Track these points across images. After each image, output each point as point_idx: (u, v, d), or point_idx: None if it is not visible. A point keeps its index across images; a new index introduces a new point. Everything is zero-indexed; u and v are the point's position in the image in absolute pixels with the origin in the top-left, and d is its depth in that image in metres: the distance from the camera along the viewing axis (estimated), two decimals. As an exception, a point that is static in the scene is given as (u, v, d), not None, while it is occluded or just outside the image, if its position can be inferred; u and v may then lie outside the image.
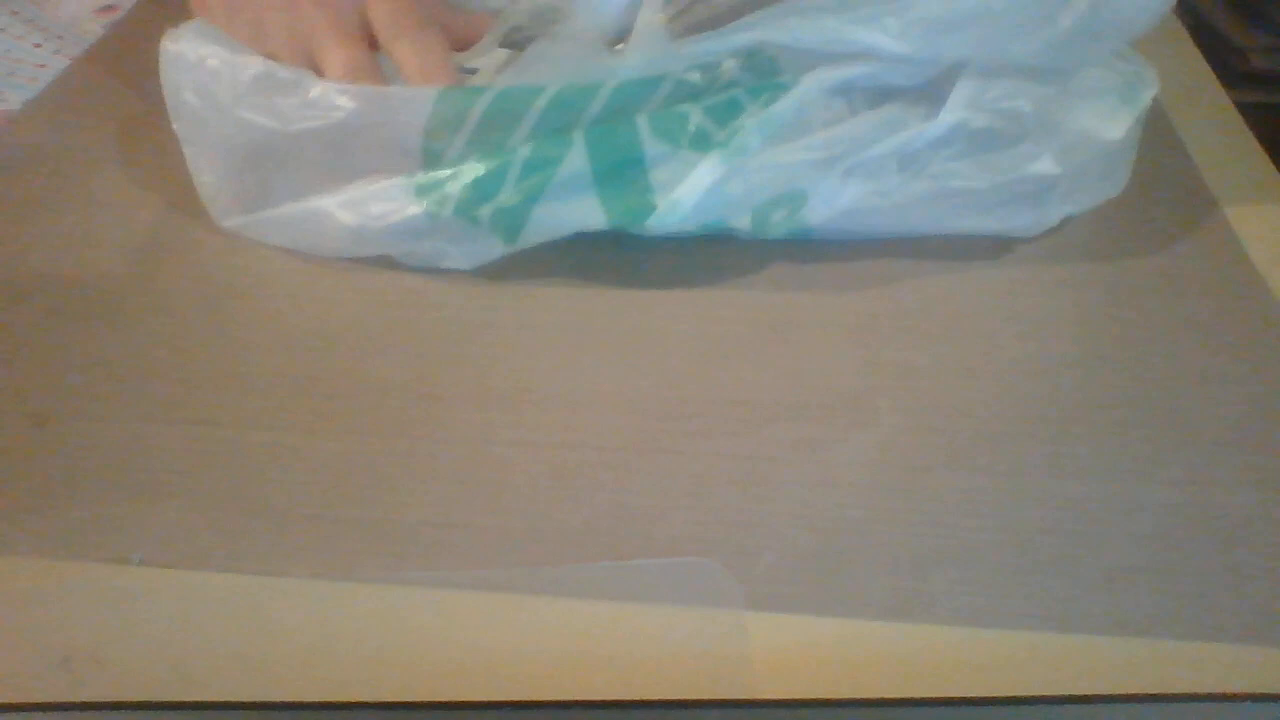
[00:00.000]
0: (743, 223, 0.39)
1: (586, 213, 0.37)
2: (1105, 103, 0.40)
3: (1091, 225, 0.42)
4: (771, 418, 0.34)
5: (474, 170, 0.37)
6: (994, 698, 0.27)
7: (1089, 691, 0.27)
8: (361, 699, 0.27)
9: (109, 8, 0.57)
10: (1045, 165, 0.39)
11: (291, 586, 0.29)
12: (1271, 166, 0.45)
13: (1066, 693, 0.27)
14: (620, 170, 0.37)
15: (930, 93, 0.38)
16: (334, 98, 0.37)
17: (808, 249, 0.40)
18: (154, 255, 0.41)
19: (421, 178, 0.37)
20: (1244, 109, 0.49)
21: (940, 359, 0.36)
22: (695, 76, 0.37)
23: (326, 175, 0.38)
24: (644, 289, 0.39)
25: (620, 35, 0.39)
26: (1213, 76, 0.52)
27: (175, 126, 0.39)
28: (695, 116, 0.37)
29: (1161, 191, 0.43)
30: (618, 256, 0.40)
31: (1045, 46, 0.37)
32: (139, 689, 0.27)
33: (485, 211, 0.37)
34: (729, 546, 0.30)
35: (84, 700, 0.27)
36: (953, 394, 0.35)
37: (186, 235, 0.41)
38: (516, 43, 0.42)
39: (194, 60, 0.38)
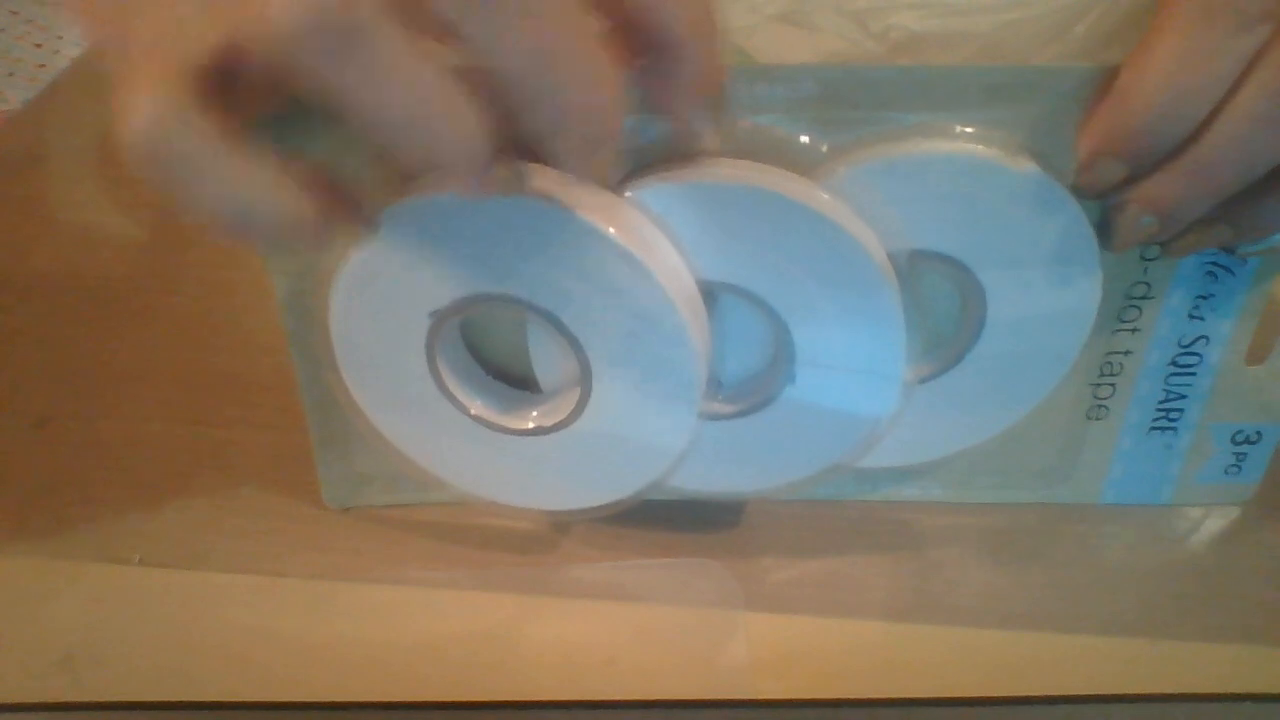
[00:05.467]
0: None
1: None
2: None
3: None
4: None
5: None
6: (994, 698, 0.27)
7: (1089, 691, 0.27)
8: (361, 699, 0.27)
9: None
10: None
11: (291, 586, 0.29)
12: None
13: (1066, 693, 0.27)
14: None
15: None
16: None
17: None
18: (154, 255, 0.41)
19: None
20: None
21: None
22: None
23: None
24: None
25: None
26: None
27: None
28: None
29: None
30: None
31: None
32: (139, 689, 0.27)
33: None
34: (729, 546, 0.31)
35: (84, 700, 0.27)
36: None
37: (186, 236, 0.41)
38: None
39: None
